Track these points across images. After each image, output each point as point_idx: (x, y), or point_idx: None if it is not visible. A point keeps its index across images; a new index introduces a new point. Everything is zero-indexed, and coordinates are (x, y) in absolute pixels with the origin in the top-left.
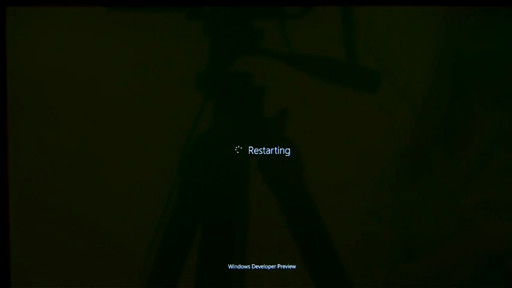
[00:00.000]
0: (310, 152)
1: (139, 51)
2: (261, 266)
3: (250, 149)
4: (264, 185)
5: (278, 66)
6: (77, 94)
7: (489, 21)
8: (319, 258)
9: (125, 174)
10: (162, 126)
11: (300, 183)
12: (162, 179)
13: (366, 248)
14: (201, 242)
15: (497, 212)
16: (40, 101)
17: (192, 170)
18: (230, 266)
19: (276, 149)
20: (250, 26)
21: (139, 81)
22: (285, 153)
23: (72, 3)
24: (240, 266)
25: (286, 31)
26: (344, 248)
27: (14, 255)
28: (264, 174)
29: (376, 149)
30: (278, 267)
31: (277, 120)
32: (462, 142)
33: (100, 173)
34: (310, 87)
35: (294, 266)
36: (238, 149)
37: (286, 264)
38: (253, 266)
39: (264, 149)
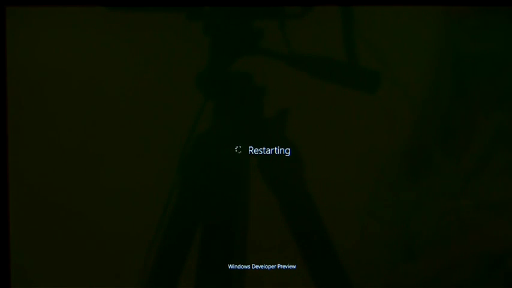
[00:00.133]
0: (310, 152)
1: (139, 51)
2: (261, 266)
3: (250, 149)
4: (264, 185)
5: (278, 66)
6: (76, 94)
7: (489, 21)
8: (319, 258)
9: (125, 174)
10: (162, 126)
11: (300, 183)
12: (162, 179)
13: (366, 248)
14: (201, 242)
15: (497, 212)
16: (40, 101)
17: (192, 170)
18: (230, 266)
19: (276, 149)
20: (250, 26)
21: (139, 81)
22: (285, 153)
23: (72, 3)
24: (240, 266)
25: (286, 31)
26: (344, 248)
27: (14, 255)
28: (264, 174)
29: (376, 149)
30: (278, 267)
31: (277, 120)
32: (462, 142)
33: (100, 173)
34: (310, 87)
35: (294, 266)
36: (238, 149)
37: (286, 264)
38: (253, 266)
39: (264, 149)
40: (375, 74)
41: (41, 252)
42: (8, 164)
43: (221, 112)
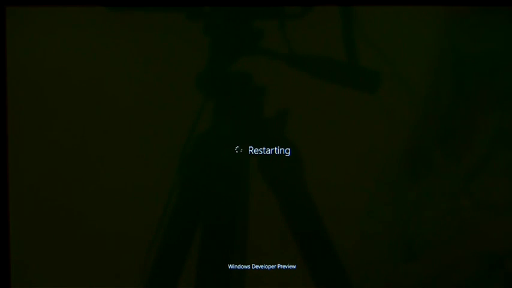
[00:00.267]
0: (310, 152)
1: (140, 51)
2: (261, 266)
3: (250, 149)
4: (264, 185)
5: (278, 66)
6: (76, 94)
7: (489, 21)
8: (319, 258)
9: (124, 174)
10: (162, 126)
11: (300, 183)
12: (162, 179)
13: (366, 248)
14: (201, 242)
15: (497, 212)
16: (40, 101)
17: (192, 170)
18: (230, 266)
19: (276, 149)
20: (250, 26)
21: (139, 81)
22: (285, 153)
23: (72, 3)
24: (240, 266)
25: (286, 31)
26: (344, 248)
27: (14, 254)
28: (264, 174)
29: (376, 149)
30: (278, 267)
31: (277, 120)
32: (463, 142)
33: (100, 172)
34: (310, 87)
35: (294, 266)
36: (238, 149)
37: (286, 264)
38: (253, 266)
39: (264, 149)
40: (375, 74)
41: (41, 252)
42: (8, 164)
43: (221, 112)
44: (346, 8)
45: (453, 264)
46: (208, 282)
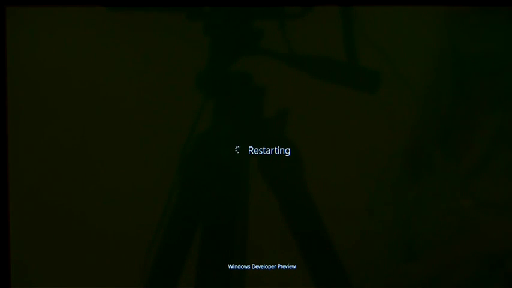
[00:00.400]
0: (310, 152)
1: (139, 51)
2: (261, 266)
3: (250, 149)
4: (264, 185)
5: (278, 66)
6: (76, 94)
7: (489, 21)
8: (319, 258)
9: (125, 174)
10: (162, 126)
11: (300, 183)
12: (162, 179)
13: (366, 248)
14: (201, 242)
15: (498, 212)
16: (40, 101)
17: (192, 170)
18: (230, 266)
19: (276, 149)
20: (250, 26)
21: (139, 81)
22: (285, 153)
23: (72, 3)
24: (240, 266)
25: (286, 31)
26: (344, 248)
27: (14, 254)
28: (264, 174)
29: (376, 149)
30: (278, 267)
31: (277, 120)
32: (463, 142)
33: (100, 173)
34: (310, 87)
35: (294, 266)
36: (238, 149)
37: (286, 264)
38: (253, 266)
39: (264, 149)
40: (375, 74)
41: (41, 252)
42: (8, 164)
43: (221, 112)
44: (346, 8)
45: (453, 264)
46: (208, 282)
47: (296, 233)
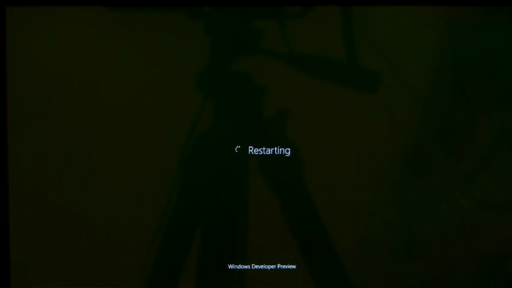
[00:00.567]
0: (310, 152)
1: (139, 51)
2: (261, 266)
3: (250, 149)
4: (264, 185)
5: (278, 66)
6: (76, 94)
7: (489, 21)
8: (319, 258)
9: (124, 174)
10: (162, 126)
11: (300, 183)
12: (162, 179)
13: (366, 248)
14: (201, 242)
15: (498, 212)
16: (40, 101)
17: (192, 170)
18: (230, 266)
19: (276, 149)
20: (250, 26)
21: (139, 81)
22: (285, 153)
23: (72, 3)
24: (240, 266)
25: (286, 31)
26: (344, 248)
27: (14, 254)
28: (264, 174)
29: (376, 149)
30: (278, 267)
31: (277, 120)
32: (463, 142)
33: (100, 173)
34: (310, 87)
35: (294, 266)
36: (238, 149)
37: (286, 264)
38: (253, 266)
39: (264, 149)
40: (375, 74)
41: (41, 252)
42: (8, 164)
43: (221, 112)
44: (346, 8)
45: (453, 265)
46: (208, 282)
47: (296, 233)
